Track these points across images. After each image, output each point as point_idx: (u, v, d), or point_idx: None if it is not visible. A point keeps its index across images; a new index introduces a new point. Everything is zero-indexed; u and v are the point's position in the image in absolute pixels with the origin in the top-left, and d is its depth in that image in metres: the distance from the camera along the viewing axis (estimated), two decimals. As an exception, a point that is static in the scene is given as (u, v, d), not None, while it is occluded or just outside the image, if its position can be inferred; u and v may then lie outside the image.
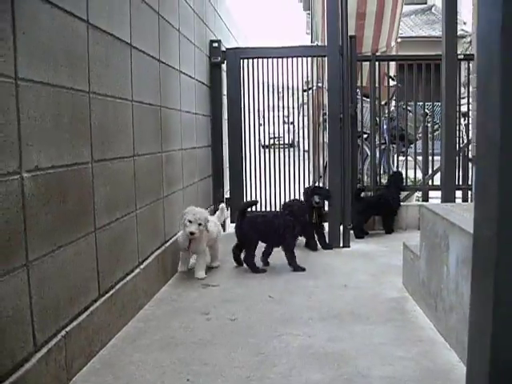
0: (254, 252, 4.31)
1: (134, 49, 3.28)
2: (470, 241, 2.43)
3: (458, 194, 5.86)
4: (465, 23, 18.18)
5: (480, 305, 1.00)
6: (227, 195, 6.15)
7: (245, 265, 4.34)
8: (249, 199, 6.14)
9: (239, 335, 2.93)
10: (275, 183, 6.23)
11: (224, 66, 6.02)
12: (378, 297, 3.57)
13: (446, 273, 2.80)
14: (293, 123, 6.75)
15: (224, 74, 6.06)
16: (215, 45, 5.80)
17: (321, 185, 6.06)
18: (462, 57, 6.11)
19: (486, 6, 0.97)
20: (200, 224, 3.89)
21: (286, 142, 6.65)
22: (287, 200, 5.53)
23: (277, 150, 6.37)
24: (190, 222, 3.87)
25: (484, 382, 1.01)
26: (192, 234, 3.86)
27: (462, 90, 6.75)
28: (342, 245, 5.12)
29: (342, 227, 5.21)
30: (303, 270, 4.28)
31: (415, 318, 3.16)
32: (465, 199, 6.10)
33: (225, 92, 6.11)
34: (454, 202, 5.05)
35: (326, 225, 5.31)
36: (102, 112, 2.81)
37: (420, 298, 3.32)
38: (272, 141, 6.50)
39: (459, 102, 5.96)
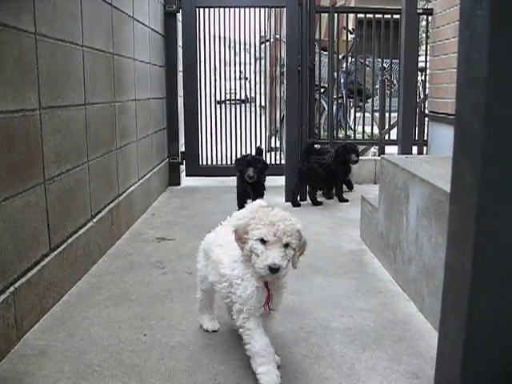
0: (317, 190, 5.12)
1: (84, -10, 3.09)
2: (430, 192, 2.41)
3: (414, 150, 5.87)
4: (421, -20, 18.11)
5: (458, 254, 0.95)
6: (182, 149, 6.02)
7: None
8: (204, 153, 6.05)
9: (196, 289, 2.87)
10: (231, 137, 6.14)
11: (179, 16, 5.81)
12: (336, 250, 3.56)
13: (405, 224, 2.79)
14: (249, 78, 6.63)
15: (179, 24, 5.84)
16: (170, -8, 5.58)
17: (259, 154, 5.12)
18: (421, 11, 6.05)
19: None
20: (287, 245, 1.87)
21: (242, 97, 6.53)
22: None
23: (232, 106, 6.25)
24: (264, 241, 1.86)
25: (460, 334, 0.96)
26: (276, 270, 1.83)
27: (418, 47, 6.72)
28: (299, 198, 5.08)
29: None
30: (347, 201, 5.10)
31: (374, 270, 3.16)
32: (420, 154, 6.13)
33: (180, 43, 5.90)
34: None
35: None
36: (50, 56, 2.63)
37: (378, 250, 3.32)
38: (227, 96, 6.37)
39: (417, 57, 5.92)
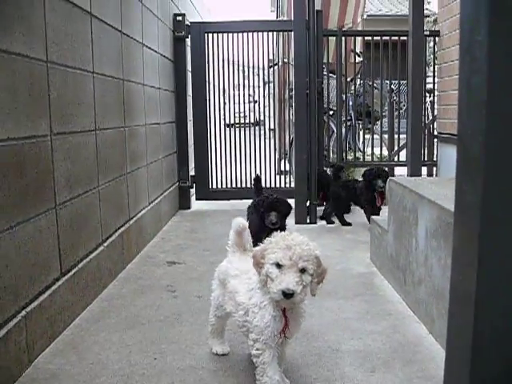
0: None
1: (95, 18, 3.15)
2: (438, 213, 2.41)
3: (423, 170, 5.88)
4: (429, 2, 18.31)
5: (462, 275, 0.96)
6: (192, 173, 6.06)
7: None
8: (214, 177, 6.08)
9: (206, 313, 2.84)
10: (241, 161, 6.17)
11: (188, 41, 5.89)
12: (346, 272, 3.56)
13: (414, 246, 2.79)
14: (258, 101, 6.69)
15: (188, 49, 5.92)
16: (179, 18, 5.66)
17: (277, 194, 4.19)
18: (428, 33, 6.11)
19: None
20: (303, 271, 1.83)
21: (251, 120, 6.58)
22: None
23: (242, 129, 6.30)
24: (279, 266, 1.83)
25: (466, 353, 0.96)
26: (290, 295, 1.79)
27: (426, 68, 6.77)
28: (308, 221, 5.09)
29: (308, 203, 5.17)
30: (350, 224, 5.08)
31: (383, 292, 3.15)
32: (430, 175, 6.14)
33: (189, 68, 5.98)
34: (420, 177, 5.07)
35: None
36: (62, 83, 2.68)
37: (388, 272, 3.31)
38: (237, 119, 6.42)
39: (424, 80, 5.97)
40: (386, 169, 6.48)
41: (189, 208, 5.93)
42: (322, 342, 2.50)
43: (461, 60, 0.93)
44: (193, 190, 6.08)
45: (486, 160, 0.86)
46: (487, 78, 0.85)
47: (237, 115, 6.39)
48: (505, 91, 0.85)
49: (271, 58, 6.44)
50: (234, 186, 6.14)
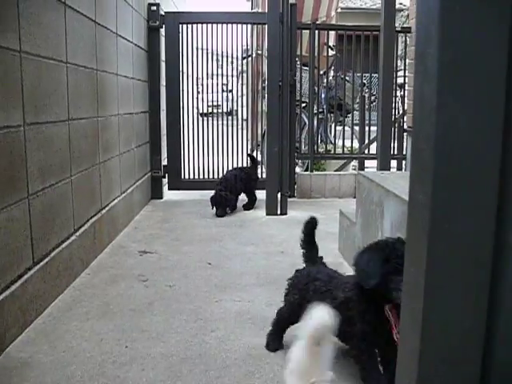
0: None
1: (69, 8, 3.15)
2: (403, 207, 2.50)
3: (393, 163, 5.99)
4: (402, -4, 18.43)
5: (414, 269, 1.04)
6: (165, 162, 6.07)
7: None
8: (186, 167, 6.11)
9: (177, 302, 2.93)
10: (213, 151, 6.21)
11: (162, 31, 5.89)
12: (314, 263, 3.63)
13: (380, 238, 2.87)
14: (231, 91, 6.73)
15: (162, 39, 5.92)
16: (153, 8, 5.66)
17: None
18: (400, 29, 6.20)
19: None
20: None
21: (225, 110, 6.62)
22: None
23: (215, 119, 6.34)
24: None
25: (416, 344, 1.04)
26: None
27: (399, 62, 6.88)
28: (279, 212, 5.16)
29: (279, 195, 5.24)
30: None
31: (350, 283, 3.24)
32: (399, 169, 6.26)
33: (163, 58, 5.98)
34: (389, 170, 5.18)
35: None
36: (35, 73, 2.69)
37: (355, 263, 3.40)
38: (210, 109, 6.46)
39: (396, 73, 6.06)
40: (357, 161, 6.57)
41: (161, 198, 5.95)
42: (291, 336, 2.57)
43: (415, 70, 1.00)
44: (165, 180, 6.10)
45: (435, 164, 0.93)
46: (437, 87, 0.92)
47: (210, 104, 6.42)
48: (452, 100, 0.92)
49: (245, 48, 6.47)
50: (206, 176, 6.19)
